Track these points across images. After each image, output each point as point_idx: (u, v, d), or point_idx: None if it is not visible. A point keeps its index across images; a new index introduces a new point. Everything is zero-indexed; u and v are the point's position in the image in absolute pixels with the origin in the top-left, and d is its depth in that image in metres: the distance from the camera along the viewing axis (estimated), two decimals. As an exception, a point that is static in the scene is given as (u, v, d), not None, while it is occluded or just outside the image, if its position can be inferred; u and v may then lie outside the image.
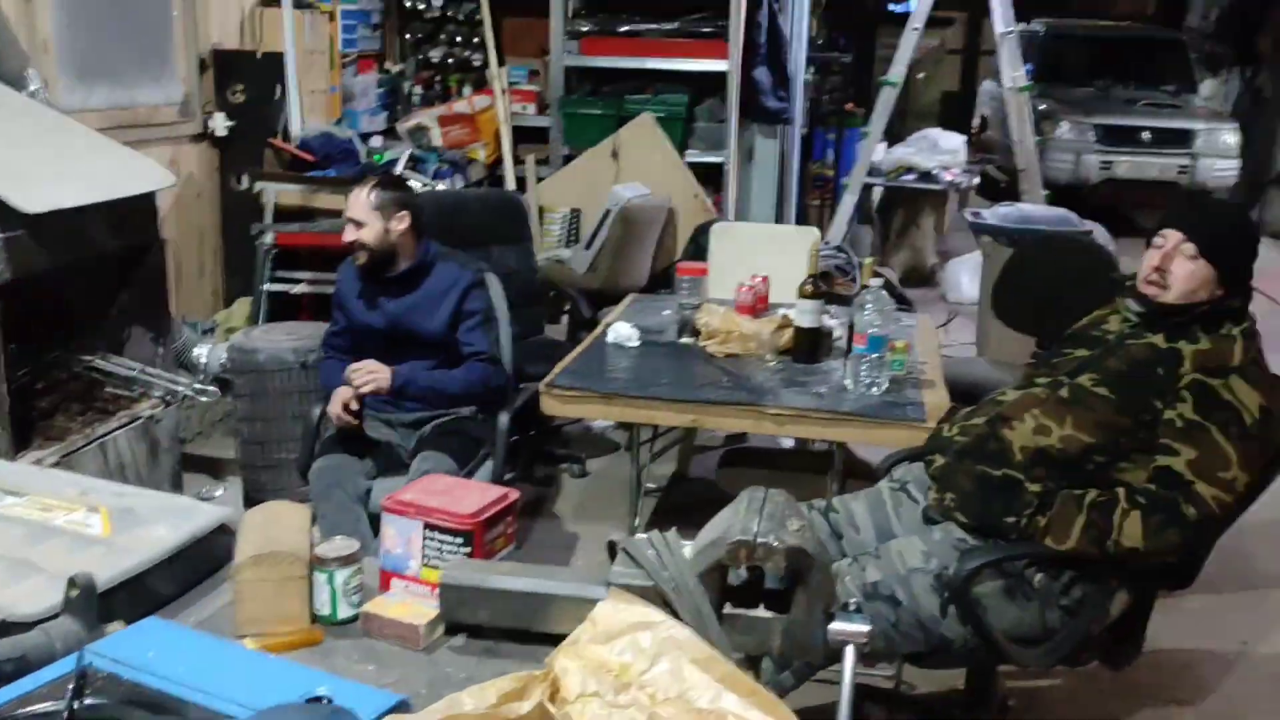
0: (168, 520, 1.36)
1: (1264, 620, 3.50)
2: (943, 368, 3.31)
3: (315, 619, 1.28)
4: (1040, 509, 2.19)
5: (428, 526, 1.30)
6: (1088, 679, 3.10)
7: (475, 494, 1.35)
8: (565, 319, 5.63)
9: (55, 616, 1.11)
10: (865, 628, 1.14)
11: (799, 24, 6.93)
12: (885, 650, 2.23)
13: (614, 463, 4.72)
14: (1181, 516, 2.10)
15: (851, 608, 1.15)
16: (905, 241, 7.77)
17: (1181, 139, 9.54)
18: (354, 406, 3.04)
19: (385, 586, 1.35)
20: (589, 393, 3.05)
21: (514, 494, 1.37)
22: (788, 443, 4.39)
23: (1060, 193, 8.70)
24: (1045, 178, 7.82)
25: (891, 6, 13.09)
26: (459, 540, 1.29)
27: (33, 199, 2.82)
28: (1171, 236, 2.29)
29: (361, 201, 3.04)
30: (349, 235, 3.05)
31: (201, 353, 4.06)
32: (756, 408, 2.92)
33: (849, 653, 1.13)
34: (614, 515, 3.94)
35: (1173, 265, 2.26)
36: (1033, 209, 5.95)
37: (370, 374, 2.99)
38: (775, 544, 1.11)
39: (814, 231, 4.35)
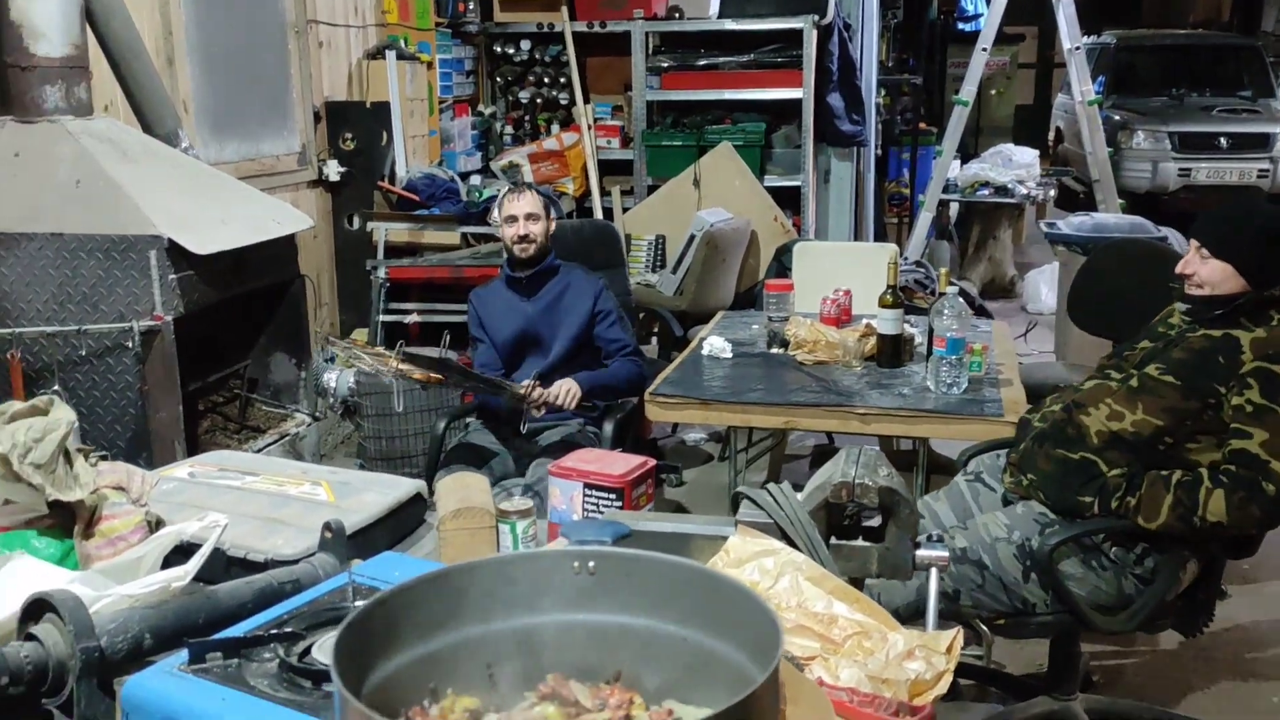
0: (377, 489, 1.69)
1: (1342, 600, 3.64)
2: (1021, 371, 3.53)
3: (501, 561, 1.60)
4: (1129, 490, 2.41)
5: (587, 486, 1.61)
6: (1168, 654, 3.29)
7: (621, 461, 1.65)
8: (654, 339, 5.95)
9: (310, 556, 1.44)
10: (944, 553, 1.41)
11: (869, 49, 7.19)
12: (972, 609, 2.47)
13: (708, 472, 5.00)
14: (1262, 493, 2.30)
15: (934, 538, 1.43)
16: (983, 254, 7.95)
17: (1261, 143, 9.55)
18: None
19: (553, 536, 1.66)
20: (689, 400, 3.31)
21: (651, 461, 1.67)
22: (871, 445, 4.62)
23: (1139, 201, 8.80)
24: (1122, 187, 7.96)
25: (960, 26, 13.27)
26: (612, 495, 1.59)
27: (200, 242, 3.22)
28: (1191, 244, 2.58)
29: (535, 199, 3.49)
30: (521, 230, 3.44)
31: (330, 378, 4.44)
32: (845, 408, 3.16)
33: (933, 573, 1.41)
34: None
35: (1196, 269, 2.52)
36: (1107, 218, 6.12)
37: (568, 391, 3.35)
38: (870, 483, 1.39)
39: (891, 247, 4.62)
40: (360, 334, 5.42)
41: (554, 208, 3.59)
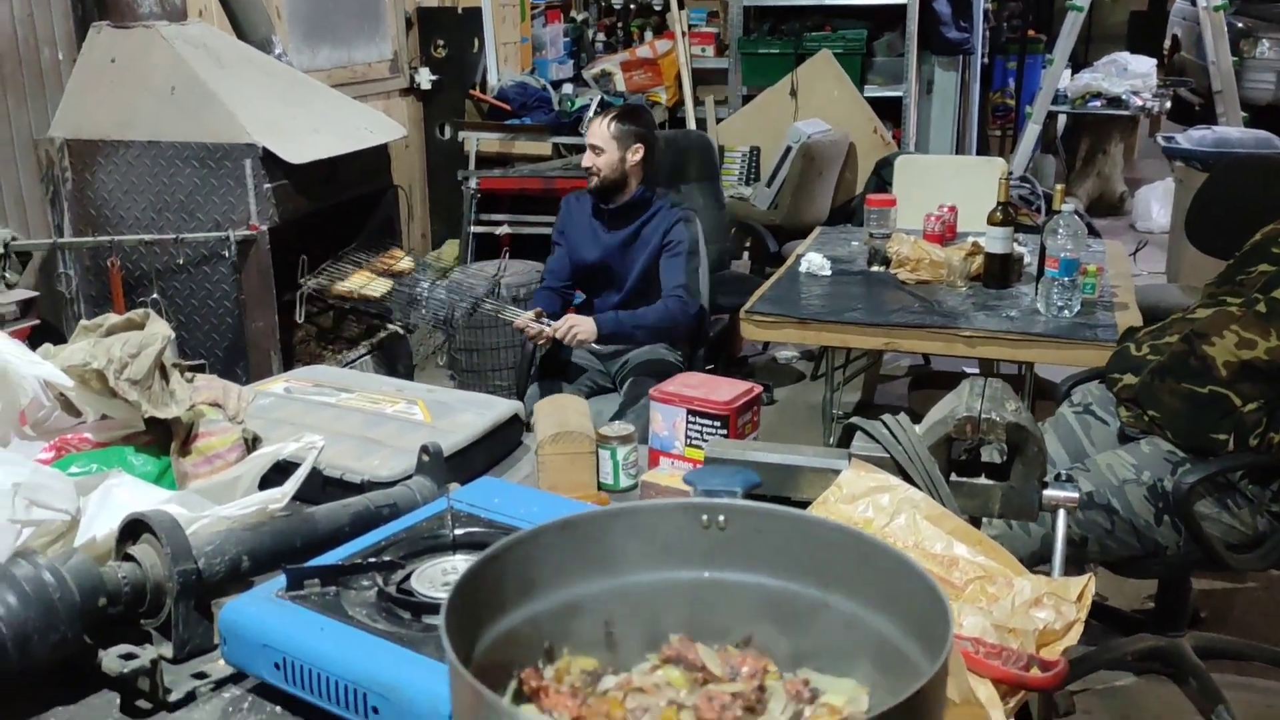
0: (473, 410, 1.65)
1: None
2: (1136, 294, 3.36)
3: (600, 487, 1.56)
4: (1271, 425, 2.25)
5: (690, 412, 1.54)
6: (1277, 590, 3.16)
7: (727, 386, 1.58)
8: (746, 254, 5.83)
9: (406, 478, 1.41)
10: (1075, 494, 1.32)
11: (979, -49, 6.85)
12: (1099, 555, 2.36)
13: (799, 391, 4.92)
14: None
15: (1063, 478, 1.34)
16: (1092, 169, 7.61)
17: (1396, 53, 8.95)
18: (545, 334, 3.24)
19: (654, 463, 1.61)
20: (786, 318, 3.22)
21: (757, 388, 1.60)
22: (971, 368, 4.49)
23: (1260, 114, 8.33)
24: (1243, 99, 7.51)
25: (1075, -74, 12.57)
26: (717, 423, 1.53)
27: (294, 151, 3.19)
28: None
29: (601, 130, 3.26)
30: (587, 161, 3.29)
31: (422, 290, 4.42)
32: (949, 330, 3.05)
33: (1061, 515, 1.32)
34: (804, 438, 4.13)
35: None
36: (1230, 132, 5.79)
37: (571, 327, 3.15)
38: (997, 419, 1.29)
39: (1000, 161, 4.41)
40: (451, 245, 5.40)
41: (639, 138, 3.30)
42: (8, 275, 2.89)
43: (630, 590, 0.73)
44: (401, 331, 3.82)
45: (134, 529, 1.17)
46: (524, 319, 3.21)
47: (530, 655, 0.70)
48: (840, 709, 0.66)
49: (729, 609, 0.73)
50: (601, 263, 3.36)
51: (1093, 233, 5.36)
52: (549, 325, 3.18)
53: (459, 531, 1.18)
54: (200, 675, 1.11)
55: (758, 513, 0.73)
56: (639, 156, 3.27)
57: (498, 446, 1.65)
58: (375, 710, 0.97)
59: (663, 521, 0.73)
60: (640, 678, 0.69)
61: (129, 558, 1.15)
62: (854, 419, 1.40)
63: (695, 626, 0.73)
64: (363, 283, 3.50)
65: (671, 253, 3.29)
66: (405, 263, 3.69)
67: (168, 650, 1.14)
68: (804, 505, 1.36)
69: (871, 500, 1.33)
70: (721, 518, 0.73)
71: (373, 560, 1.13)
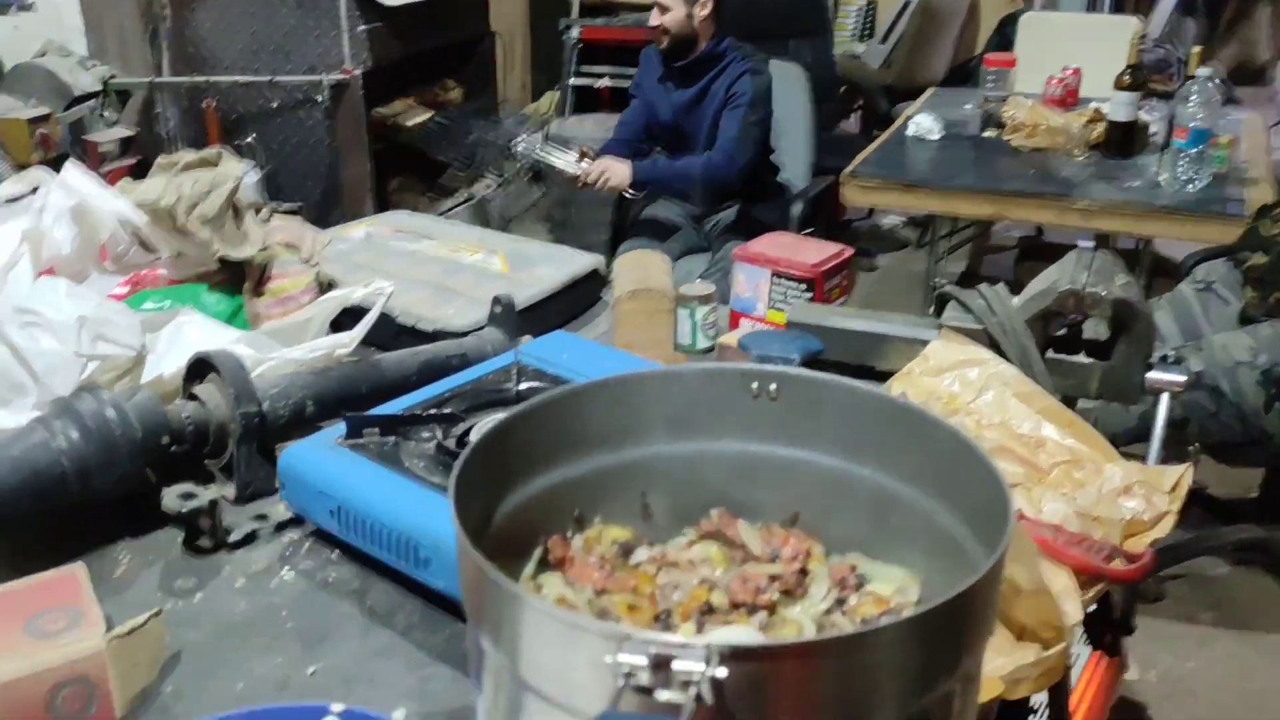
0: (553, 262, 1.61)
1: None
2: (1272, 169, 3.14)
3: (678, 348, 1.51)
4: None
5: (775, 274, 1.47)
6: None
7: (815, 248, 1.51)
8: (855, 115, 5.60)
9: (479, 329, 1.38)
10: (1181, 377, 1.23)
11: None
12: (1198, 437, 2.26)
13: (903, 259, 4.78)
14: None
15: (1170, 359, 1.24)
16: (1235, 34, 7.09)
17: None
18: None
19: (734, 325, 1.55)
20: (890, 183, 3.10)
21: (848, 250, 1.52)
22: (1086, 242, 4.29)
23: None
24: None
25: None
26: (802, 286, 1.46)
27: (388, -8, 3.12)
28: None
29: None
30: (654, 19, 3.15)
31: (519, 141, 4.35)
32: (1063, 200, 2.89)
33: (1164, 399, 1.23)
34: (904, 308, 4.01)
35: None
36: (1395, -6, 5.31)
37: (603, 171, 3.08)
38: (1104, 294, 1.20)
39: (1133, 21, 4.12)
40: (549, 97, 5.30)
41: None
42: (106, 113, 2.91)
43: (670, 459, 0.68)
44: (497, 183, 3.78)
45: (200, 368, 1.16)
46: (564, 160, 3.12)
47: (560, 522, 0.66)
48: (887, 599, 0.61)
49: (776, 485, 0.68)
50: (673, 122, 3.24)
51: (1231, 101, 5.02)
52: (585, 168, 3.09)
53: (522, 386, 1.14)
54: (261, 517, 1.12)
55: (812, 382, 0.67)
56: (707, 10, 3.09)
57: (575, 301, 1.61)
58: (426, 562, 0.96)
59: (709, 387, 0.68)
60: (676, 552, 0.65)
61: (194, 397, 1.15)
62: (948, 287, 1.32)
63: (738, 502, 0.68)
64: (399, 110, 3.44)
65: (733, 105, 3.11)
66: (454, 93, 3.61)
67: (230, 491, 1.15)
68: (888, 376, 1.29)
69: (959, 374, 1.26)
70: (773, 386, 0.67)
71: (432, 412, 1.11)
